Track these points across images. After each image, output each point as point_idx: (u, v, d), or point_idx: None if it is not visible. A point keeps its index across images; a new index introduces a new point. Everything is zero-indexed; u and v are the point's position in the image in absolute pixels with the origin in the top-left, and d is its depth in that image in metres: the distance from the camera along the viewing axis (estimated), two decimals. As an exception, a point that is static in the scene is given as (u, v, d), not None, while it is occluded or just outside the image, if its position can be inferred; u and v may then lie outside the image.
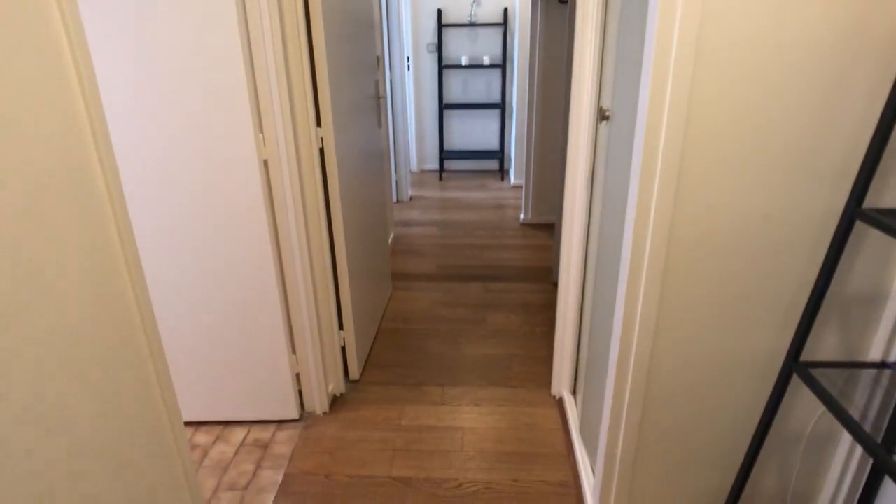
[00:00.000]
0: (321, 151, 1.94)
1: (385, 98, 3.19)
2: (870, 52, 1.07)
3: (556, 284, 3.20)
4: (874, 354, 1.29)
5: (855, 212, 1.08)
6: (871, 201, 1.16)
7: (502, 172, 5.74)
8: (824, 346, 1.30)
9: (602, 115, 1.54)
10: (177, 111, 1.63)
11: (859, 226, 1.19)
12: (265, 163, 1.75)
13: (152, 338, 1.06)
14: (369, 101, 2.50)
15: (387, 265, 3.00)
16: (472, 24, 5.30)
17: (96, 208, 0.91)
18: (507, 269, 3.43)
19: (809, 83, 1.09)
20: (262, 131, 1.72)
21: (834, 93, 1.10)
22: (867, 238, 1.20)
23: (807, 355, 1.31)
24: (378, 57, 2.78)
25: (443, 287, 3.19)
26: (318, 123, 1.90)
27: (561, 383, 2.18)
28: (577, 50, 1.66)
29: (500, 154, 5.62)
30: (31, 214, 0.77)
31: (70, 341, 0.84)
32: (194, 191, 1.72)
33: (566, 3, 3.58)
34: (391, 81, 4.49)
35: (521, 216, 4.32)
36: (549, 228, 4.17)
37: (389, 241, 3.78)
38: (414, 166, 5.86)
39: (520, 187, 5.21)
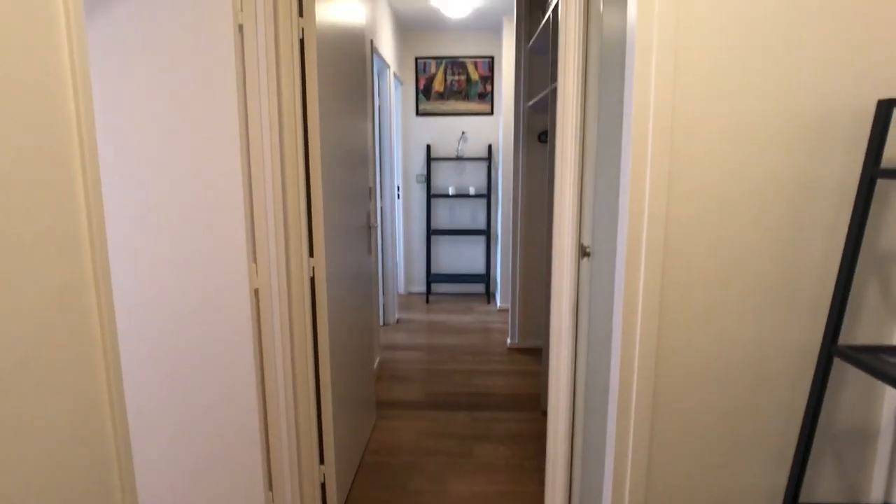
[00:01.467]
0: (312, 280, 1.98)
1: (376, 227, 3.31)
2: (824, 194, 1.16)
3: (544, 413, 3.12)
4: (875, 495, 1.25)
5: (831, 349, 1.11)
6: (848, 336, 1.20)
7: (488, 296, 5.82)
8: (823, 484, 1.26)
9: (584, 252, 1.61)
10: (173, 237, 1.67)
11: (840, 362, 1.21)
12: (256, 292, 1.77)
13: (125, 475, 1.00)
14: (361, 229, 2.60)
15: (372, 392, 2.92)
16: (458, 159, 5.67)
17: (87, 334, 0.91)
18: (494, 397, 3.35)
19: (774, 222, 1.17)
20: (255, 260, 1.76)
21: (796, 230, 1.17)
22: (849, 373, 1.22)
23: (805, 495, 1.26)
24: (370, 188, 2.93)
25: (429, 416, 3.09)
26: (311, 253, 1.96)
27: (554, 525, 2.04)
28: (557, 191, 1.78)
29: (486, 278, 5.73)
30: (21, 355, 0.76)
31: (46, 476, 0.80)
32: (182, 317, 1.72)
33: (545, 142, 3.88)
34: (382, 209, 4.69)
35: (508, 340, 4.31)
36: (536, 353, 4.14)
37: (375, 366, 3.72)
38: (401, 289, 5.93)
39: (506, 311, 5.25)
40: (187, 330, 1.73)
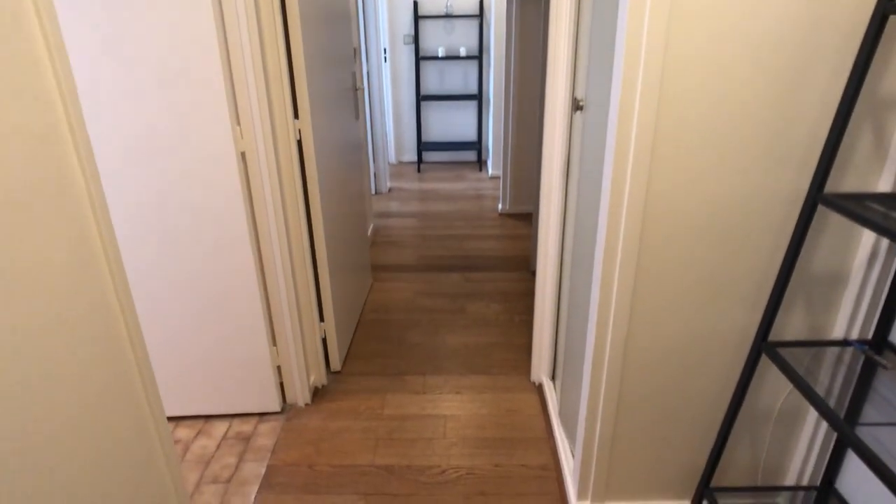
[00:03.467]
0: (299, 143, 1.93)
1: (362, 90, 3.18)
2: (828, 46, 1.11)
3: (534, 273, 3.24)
4: (837, 333, 1.35)
5: (817, 196, 1.13)
6: (833, 186, 1.21)
7: (480, 163, 5.77)
8: (791, 325, 1.36)
9: (576, 106, 1.56)
10: (152, 103, 1.61)
11: (822, 210, 1.24)
12: (242, 155, 1.74)
13: (133, 331, 1.06)
14: (346, 92, 2.50)
15: (367, 257, 3.00)
16: (448, 16, 5.29)
17: (76, 204, 0.90)
18: (486, 259, 3.46)
19: (774, 74, 1.13)
20: (239, 123, 1.71)
21: (796, 84, 1.14)
22: (829, 221, 1.25)
23: (775, 335, 1.36)
24: (355, 49, 2.77)
25: (423, 277, 3.21)
26: (296, 115, 1.90)
27: (540, 369, 2.22)
28: (551, 42, 1.68)
29: (477, 145, 5.64)
30: (13, 212, 0.76)
31: (49, 333, 0.84)
32: (171, 183, 1.70)
33: (541, -6, 3.60)
34: (368, 73, 4.46)
35: (500, 206, 4.35)
36: (526, 218, 4.21)
37: (369, 232, 3.78)
38: (392, 158, 5.85)
39: (498, 178, 5.24)
40: (178, 198, 1.72)
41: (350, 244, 2.56)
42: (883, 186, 1.20)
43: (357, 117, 2.73)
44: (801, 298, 1.33)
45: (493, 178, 5.28)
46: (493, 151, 5.22)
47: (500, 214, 4.29)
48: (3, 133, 0.76)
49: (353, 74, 2.66)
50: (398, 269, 3.33)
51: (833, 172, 1.19)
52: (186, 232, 1.77)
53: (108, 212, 0.99)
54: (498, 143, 5.05)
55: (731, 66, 1.12)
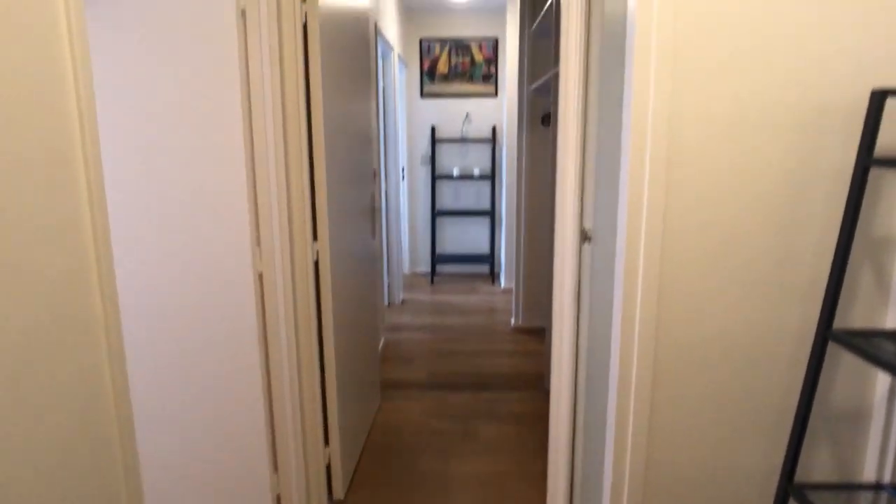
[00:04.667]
0: (315, 264, 2.00)
1: (380, 210, 3.33)
2: (818, 184, 1.17)
3: (548, 393, 3.16)
4: (868, 473, 1.27)
5: (826, 333, 1.13)
6: (842, 319, 1.21)
7: (493, 276, 5.84)
8: (819, 464, 1.29)
9: (585, 237, 1.62)
10: (175, 220, 1.70)
11: (835, 344, 1.23)
12: (260, 276, 1.80)
13: (128, 453, 1.04)
14: (365, 212, 2.62)
15: (376, 374, 2.97)
16: (463, 140, 5.65)
17: (91, 324, 0.93)
18: (498, 377, 3.40)
19: (772, 210, 1.18)
20: (259, 244, 1.78)
21: (793, 221, 1.18)
22: (843, 357, 1.24)
23: (802, 475, 1.29)
24: (374, 170, 2.94)
25: (433, 396, 3.14)
26: (315, 237, 1.98)
27: (557, 500, 2.09)
28: (559, 175, 1.79)
29: (490, 258, 5.75)
30: (30, 325, 0.79)
31: (49, 452, 0.83)
32: (185, 299, 1.75)
33: (548, 125, 3.86)
34: (386, 190, 4.69)
35: (513, 321, 4.34)
36: (539, 333, 4.18)
37: (380, 347, 3.76)
38: (406, 269, 5.96)
39: (510, 291, 5.28)
40: (191, 314, 1.76)
41: (361, 361, 2.54)
42: (890, 323, 1.19)
43: (374, 236, 2.84)
44: (824, 435, 1.28)
45: (506, 290, 5.32)
46: (505, 265, 5.32)
47: (513, 329, 4.27)
48: (33, 271, 0.81)
49: (373, 195, 2.80)
50: (408, 387, 3.27)
51: (841, 304, 1.20)
52: (195, 350, 1.78)
53: (122, 338, 1.01)
54: (510, 257, 5.15)
55: (729, 203, 1.18)
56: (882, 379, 1.22)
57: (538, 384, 3.30)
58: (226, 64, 1.61)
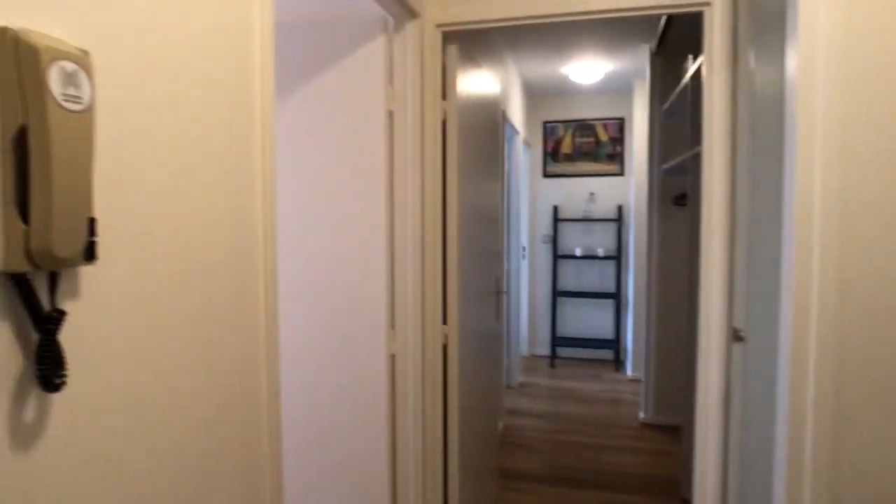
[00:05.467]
0: (444, 347, 2.02)
1: (504, 293, 3.33)
2: None
3: (684, 501, 2.82)
4: None
5: None
6: None
7: (617, 363, 5.51)
8: None
9: (736, 336, 1.48)
10: (321, 309, 1.81)
11: None
12: (392, 357, 1.85)
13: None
14: (491, 294, 2.63)
15: (494, 460, 2.86)
16: (586, 220, 5.57)
17: (255, 403, 1.00)
18: (626, 477, 3.11)
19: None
20: (393, 327, 1.85)
21: None
22: None
23: None
24: (500, 251, 2.98)
25: (554, 493, 2.94)
26: (444, 321, 2.02)
27: None
28: (703, 266, 1.67)
29: (615, 344, 5.45)
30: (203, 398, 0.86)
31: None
32: (322, 377, 1.83)
33: (682, 206, 3.69)
34: (508, 269, 4.71)
35: (641, 414, 4.02)
36: (672, 431, 3.80)
37: (499, 431, 3.64)
38: (525, 350, 5.82)
39: (638, 381, 4.92)
40: (326, 392, 1.83)
41: (481, 446, 2.47)
42: None
43: (499, 319, 2.83)
44: None
45: (633, 380, 4.97)
46: (632, 352, 5.00)
47: (642, 423, 3.94)
48: (211, 360, 0.89)
49: (497, 279, 2.82)
50: (526, 479, 3.10)
51: None
52: (324, 431, 1.84)
53: (280, 432, 1.07)
54: (639, 345, 4.84)
55: (927, 316, 1.01)
56: None
57: (672, 490, 2.97)
58: (374, 157, 1.75)
